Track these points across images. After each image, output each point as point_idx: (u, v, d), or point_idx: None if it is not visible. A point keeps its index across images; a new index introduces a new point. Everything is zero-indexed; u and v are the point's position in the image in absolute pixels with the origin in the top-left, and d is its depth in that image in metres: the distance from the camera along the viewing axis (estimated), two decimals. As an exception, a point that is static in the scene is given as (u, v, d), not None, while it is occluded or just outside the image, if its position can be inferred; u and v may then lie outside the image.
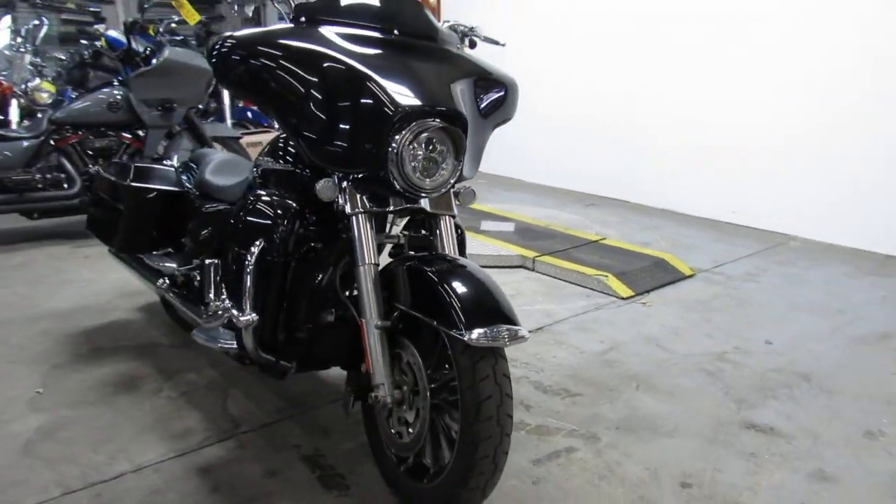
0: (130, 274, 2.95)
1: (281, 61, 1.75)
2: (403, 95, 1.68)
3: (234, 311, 1.87)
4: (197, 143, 4.71)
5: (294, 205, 1.88)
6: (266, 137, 5.94)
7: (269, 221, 1.87)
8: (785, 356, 2.81)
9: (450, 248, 1.89)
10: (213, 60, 1.83)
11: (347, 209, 1.77)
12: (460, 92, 1.83)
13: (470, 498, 1.65)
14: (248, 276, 1.85)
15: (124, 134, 4.53)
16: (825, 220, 4.32)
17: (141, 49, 4.53)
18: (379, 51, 1.78)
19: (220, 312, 1.94)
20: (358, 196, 1.78)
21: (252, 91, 1.84)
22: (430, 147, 1.72)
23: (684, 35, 4.82)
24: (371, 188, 1.79)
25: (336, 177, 1.78)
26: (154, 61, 4.34)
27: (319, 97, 1.71)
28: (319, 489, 1.98)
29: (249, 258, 1.85)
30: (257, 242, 1.86)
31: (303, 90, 1.72)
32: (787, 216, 4.49)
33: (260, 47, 1.77)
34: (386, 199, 1.83)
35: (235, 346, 2.01)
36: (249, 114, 6.19)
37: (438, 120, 1.71)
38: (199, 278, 2.51)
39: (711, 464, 2.10)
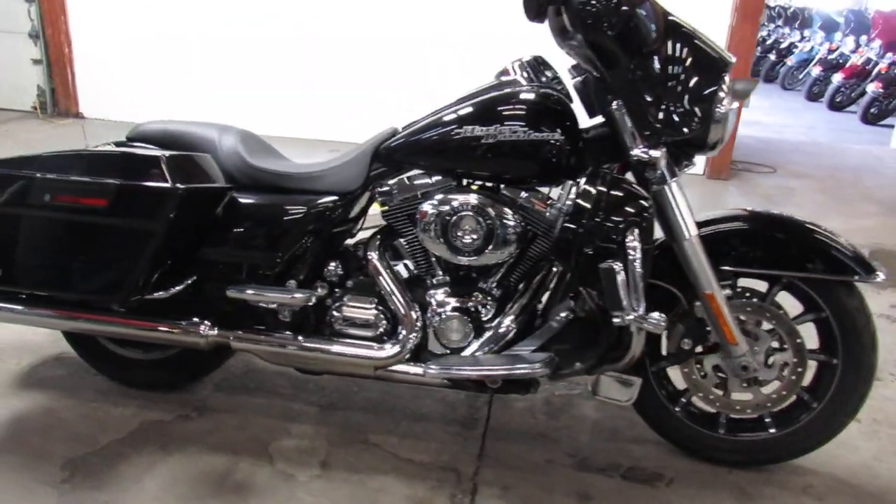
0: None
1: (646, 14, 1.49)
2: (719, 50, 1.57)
3: (649, 317, 1.50)
4: None
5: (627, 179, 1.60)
6: None
7: (636, 205, 1.54)
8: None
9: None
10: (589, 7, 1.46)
11: (668, 177, 1.57)
12: None
13: (849, 422, 1.72)
14: (638, 272, 1.51)
15: None
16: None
17: None
18: None
19: (637, 321, 1.52)
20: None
21: (615, 48, 1.49)
22: None
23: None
24: (679, 151, 1.60)
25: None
26: None
27: (667, 53, 1.52)
28: (637, 486, 1.72)
29: (633, 252, 1.51)
30: (634, 232, 1.52)
31: (656, 45, 1.51)
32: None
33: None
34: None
35: (537, 367, 1.62)
36: None
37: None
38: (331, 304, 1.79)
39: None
